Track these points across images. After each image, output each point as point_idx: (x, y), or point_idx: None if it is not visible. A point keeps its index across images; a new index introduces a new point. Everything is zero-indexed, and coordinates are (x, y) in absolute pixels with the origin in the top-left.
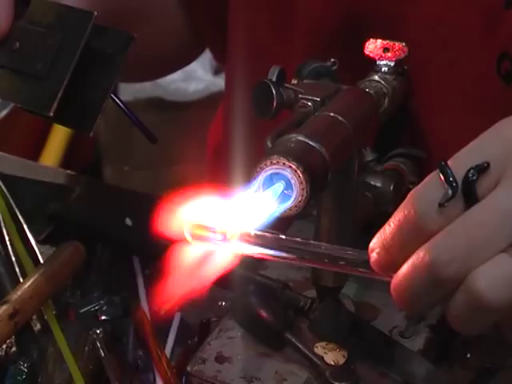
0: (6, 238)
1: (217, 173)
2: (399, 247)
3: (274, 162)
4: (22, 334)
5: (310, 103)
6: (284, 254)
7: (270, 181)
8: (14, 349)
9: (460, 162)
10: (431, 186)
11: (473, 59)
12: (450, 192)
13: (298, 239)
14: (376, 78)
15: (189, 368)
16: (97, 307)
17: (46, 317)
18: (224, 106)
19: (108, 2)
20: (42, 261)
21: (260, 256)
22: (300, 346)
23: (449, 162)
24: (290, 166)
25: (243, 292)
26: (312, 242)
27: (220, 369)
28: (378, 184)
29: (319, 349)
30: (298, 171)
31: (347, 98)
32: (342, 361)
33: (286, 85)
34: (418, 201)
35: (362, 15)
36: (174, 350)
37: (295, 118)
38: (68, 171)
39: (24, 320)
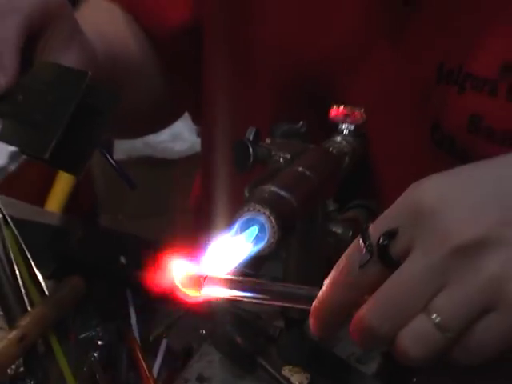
0: (17, 273)
1: (200, 220)
2: (336, 303)
3: (251, 208)
4: (28, 356)
5: (281, 159)
6: (256, 295)
7: (247, 225)
8: (21, 369)
9: (376, 228)
10: (356, 249)
11: (411, 125)
12: (367, 255)
13: (268, 281)
14: (338, 139)
15: None
16: (94, 333)
17: (50, 341)
18: (201, 161)
19: (100, 63)
20: (47, 293)
21: (237, 298)
22: (269, 368)
23: (370, 227)
24: (264, 213)
25: (221, 322)
26: (279, 283)
27: None
28: (339, 231)
29: (286, 371)
30: (271, 217)
31: (313, 156)
32: (305, 382)
33: (261, 143)
34: (348, 260)
35: (317, 85)
36: (161, 371)
37: (269, 172)
38: (70, 217)
39: (31, 343)
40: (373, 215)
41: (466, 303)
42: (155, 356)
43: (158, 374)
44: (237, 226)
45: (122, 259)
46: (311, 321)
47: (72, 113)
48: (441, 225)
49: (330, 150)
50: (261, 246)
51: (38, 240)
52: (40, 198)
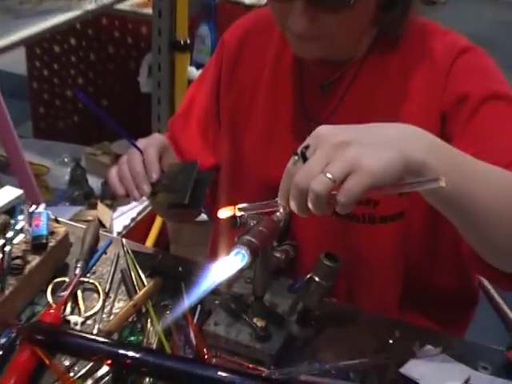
0: (132, 275)
1: (214, 251)
2: (284, 186)
3: (238, 246)
4: (138, 313)
5: (251, 224)
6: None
7: (237, 254)
8: (134, 318)
9: (299, 148)
10: (291, 161)
11: None
12: (296, 158)
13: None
14: (278, 214)
15: (204, 327)
16: (167, 302)
17: (147, 306)
18: (214, 223)
19: None
20: (146, 284)
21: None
22: (247, 318)
23: (297, 149)
24: (244, 248)
25: (225, 297)
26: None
27: (214, 329)
28: (278, 255)
29: (255, 320)
30: (247, 250)
31: (266, 222)
32: (264, 324)
33: (242, 216)
34: (289, 165)
35: (271, 188)
36: (198, 320)
37: (246, 230)
38: (156, 249)
39: (139, 307)
40: (295, 248)
41: (340, 169)
42: (194, 313)
43: (197, 320)
44: (232, 253)
45: (180, 268)
46: (280, 193)
47: (193, 182)
48: (327, 137)
49: (275, 219)
50: (243, 263)
51: (142, 260)
52: (143, 240)
